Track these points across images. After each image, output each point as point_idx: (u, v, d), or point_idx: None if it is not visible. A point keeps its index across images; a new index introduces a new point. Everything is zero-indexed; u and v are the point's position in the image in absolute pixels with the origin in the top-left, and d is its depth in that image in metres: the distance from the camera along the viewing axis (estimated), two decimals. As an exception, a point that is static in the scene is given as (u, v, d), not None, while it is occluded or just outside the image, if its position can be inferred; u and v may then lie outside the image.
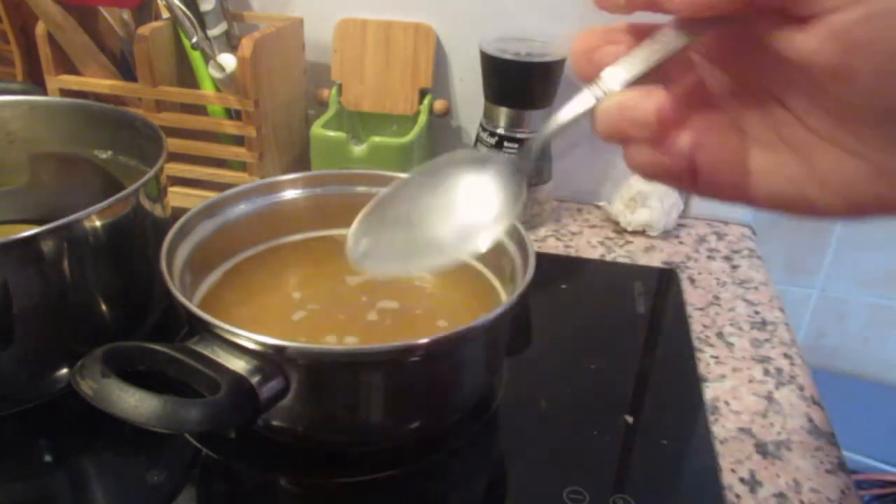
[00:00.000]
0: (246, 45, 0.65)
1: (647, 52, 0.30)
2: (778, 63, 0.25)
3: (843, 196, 0.25)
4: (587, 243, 0.71)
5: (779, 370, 0.54)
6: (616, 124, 0.27)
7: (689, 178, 0.27)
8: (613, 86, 0.29)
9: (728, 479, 0.44)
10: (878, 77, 0.22)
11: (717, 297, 0.63)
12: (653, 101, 0.26)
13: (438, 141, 0.82)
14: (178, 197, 0.72)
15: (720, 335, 0.58)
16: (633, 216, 0.72)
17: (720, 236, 0.74)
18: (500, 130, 0.71)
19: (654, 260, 0.69)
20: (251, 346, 0.37)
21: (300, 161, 0.79)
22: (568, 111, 0.29)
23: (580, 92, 0.29)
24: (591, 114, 0.29)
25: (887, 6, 0.21)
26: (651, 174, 0.28)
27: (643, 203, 0.72)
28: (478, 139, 0.74)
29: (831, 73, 0.22)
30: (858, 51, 0.22)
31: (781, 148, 0.26)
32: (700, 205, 0.77)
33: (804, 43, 0.23)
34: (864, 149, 0.24)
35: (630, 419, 0.48)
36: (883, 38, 0.21)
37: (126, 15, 0.72)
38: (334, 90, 0.77)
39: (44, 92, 0.69)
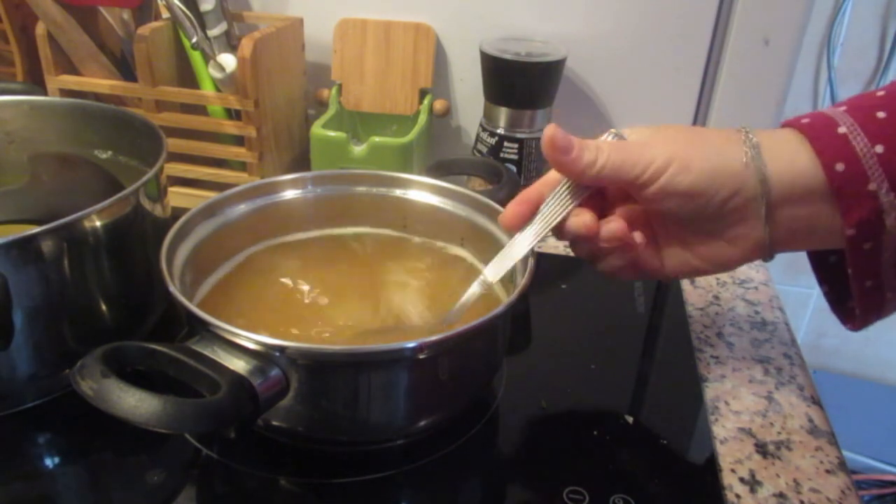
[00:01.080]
0: (246, 45, 0.65)
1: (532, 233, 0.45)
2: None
3: (712, 264, 0.44)
4: (587, 243, 0.71)
5: (779, 370, 0.54)
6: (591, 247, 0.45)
7: (635, 273, 0.46)
8: (492, 279, 0.45)
9: (728, 479, 0.44)
10: (683, 205, 0.41)
11: (717, 297, 0.63)
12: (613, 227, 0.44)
13: (438, 141, 0.82)
14: (178, 197, 0.72)
15: (720, 335, 0.58)
16: (633, 216, 0.72)
17: (720, 236, 0.74)
18: (500, 130, 0.71)
19: (654, 260, 0.69)
20: (251, 346, 0.37)
21: (300, 161, 0.79)
22: (464, 301, 0.46)
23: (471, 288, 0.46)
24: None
25: (676, 177, 0.40)
26: (621, 275, 0.47)
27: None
28: (478, 139, 0.74)
29: (663, 208, 0.42)
30: (669, 197, 0.41)
31: (675, 244, 0.45)
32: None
33: (646, 197, 0.42)
34: (707, 239, 0.43)
35: (630, 419, 0.48)
36: (677, 188, 0.40)
37: (126, 15, 0.72)
38: (334, 90, 0.77)
39: (44, 92, 0.69)
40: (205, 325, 0.38)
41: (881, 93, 0.40)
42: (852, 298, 0.43)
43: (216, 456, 0.44)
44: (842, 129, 0.38)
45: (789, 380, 0.53)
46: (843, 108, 0.40)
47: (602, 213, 0.45)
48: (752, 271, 0.67)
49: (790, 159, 0.40)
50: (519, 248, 0.44)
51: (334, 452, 0.44)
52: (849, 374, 1.12)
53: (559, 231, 0.44)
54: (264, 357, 0.37)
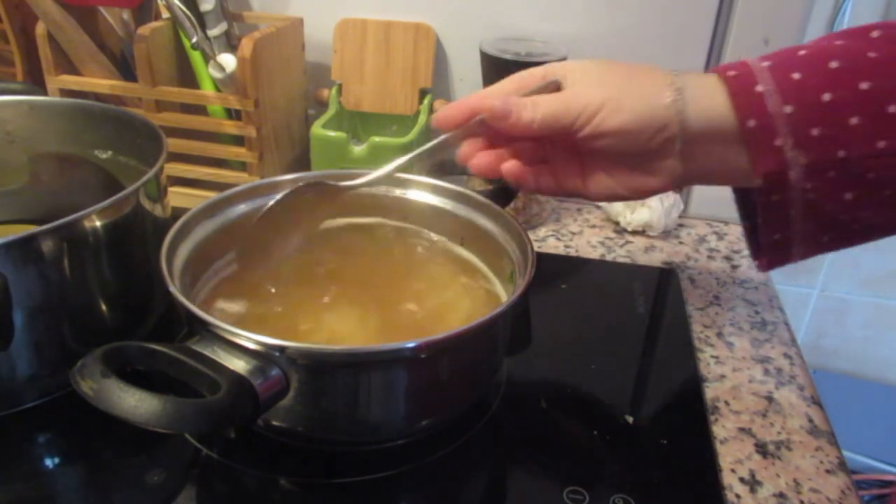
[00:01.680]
0: (246, 45, 0.65)
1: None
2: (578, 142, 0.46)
3: (631, 191, 0.47)
4: (587, 243, 0.71)
5: (779, 370, 0.54)
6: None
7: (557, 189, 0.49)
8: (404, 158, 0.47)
9: (728, 479, 0.44)
10: (613, 143, 0.44)
11: (717, 297, 0.63)
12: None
13: (438, 141, 0.82)
14: (178, 197, 0.72)
15: (720, 335, 0.58)
16: (633, 216, 0.72)
17: (720, 236, 0.74)
18: (500, 130, 0.71)
19: (654, 260, 0.69)
20: (251, 346, 0.37)
21: (300, 161, 0.79)
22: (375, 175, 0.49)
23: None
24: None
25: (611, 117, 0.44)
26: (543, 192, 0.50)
27: (643, 203, 0.72)
28: (478, 139, 0.74)
29: (595, 146, 0.45)
30: (600, 137, 0.44)
31: (600, 172, 0.47)
32: (700, 205, 0.77)
33: (580, 138, 0.45)
34: (630, 170, 0.46)
35: (630, 419, 0.48)
36: (607, 129, 0.44)
37: (126, 15, 0.72)
38: (334, 90, 0.77)
39: (44, 92, 0.69)
40: (205, 325, 0.38)
41: (803, 52, 0.43)
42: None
43: (216, 456, 0.44)
44: (759, 88, 0.42)
45: (789, 380, 0.53)
46: (768, 63, 0.43)
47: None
48: (751, 271, 0.67)
49: (709, 104, 0.43)
50: (433, 145, 0.47)
51: (334, 452, 0.44)
52: (849, 374, 1.12)
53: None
54: (264, 357, 0.37)
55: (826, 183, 0.42)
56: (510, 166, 0.47)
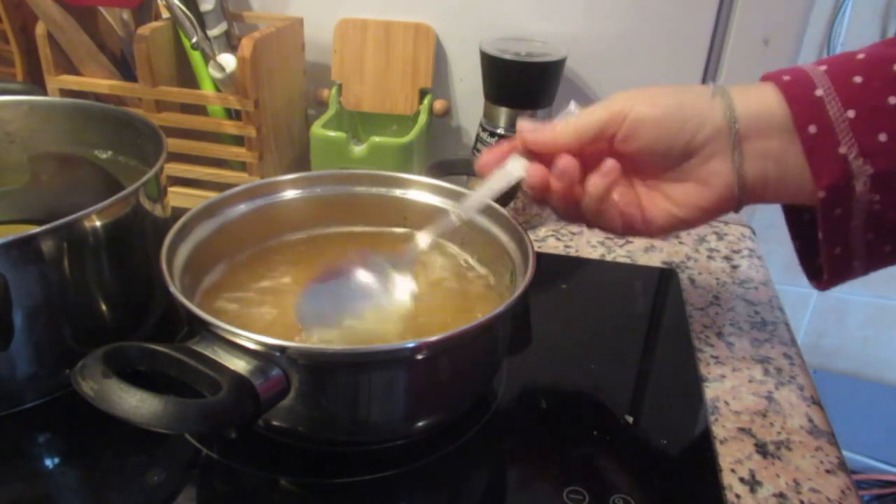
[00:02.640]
0: (246, 45, 0.65)
1: (494, 182, 0.46)
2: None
3: (689, 209, 0.44)
4: (587, 243, 0.71)
5: (779, 370, 0.54)
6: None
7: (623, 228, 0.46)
8: (469, 213, 0.47)
9: (728, 479, 0.44)
10: (652, 140, 0.43)
11: (716, 297, 0.63)
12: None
13: (438, 141, 0.82)
14: (178, 197, 0.72)
15: (720, 335, 0.58)
16: (633, 216, 0.72)
17: (720, 236, 0.74)
18: (500, 130, 0.71)
19: (654, 260, 0.69)
20: (252, 346, 0.37)
21: (300, 161, 0.79)
22: (436, 228, 0.47)
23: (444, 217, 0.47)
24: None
25: (638, 122, 0.42)
26: (610, 230, 0.47)
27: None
28: (478, 139, 0.74)
29: (636, 154, 0.44)
30: (638, 134, 0.43)
31: (654, 194, 0.45)
32: (700, 205, 0.77)
33: (618, 141, 0.43)
34: (680, 181, 0.44)
35: (630, 419, 0.48)
36: (644, 123, 0.42)
37: (126, 15, 0.72)
38: (334, 90, 0.77)
39: (44, 92, 0.69)
40: (205, 325, 0.38)
41: (861, 55, 0.40)
42: (821, 258, 0.44)
43: (216, 456, 0.44)
44: (818, 92, 0.39)
45: (789, 380, 0.53)
46: (824, 67, 0.40)
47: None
48: (751, 271, 0.67)
49: (758, 99, 0.41)
50: (486, 190, 0.46)
51: (334, 452, 0.44)
52: (849, 374, 1.12)
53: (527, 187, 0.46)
54: (265, 357, 0.37)
55: (894, 193, 0.39)
56: (565, 160, 0.44)
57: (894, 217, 0.40)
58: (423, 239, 0.46)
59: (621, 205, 0.45)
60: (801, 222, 0.47)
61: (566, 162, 0.44)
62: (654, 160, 0.44)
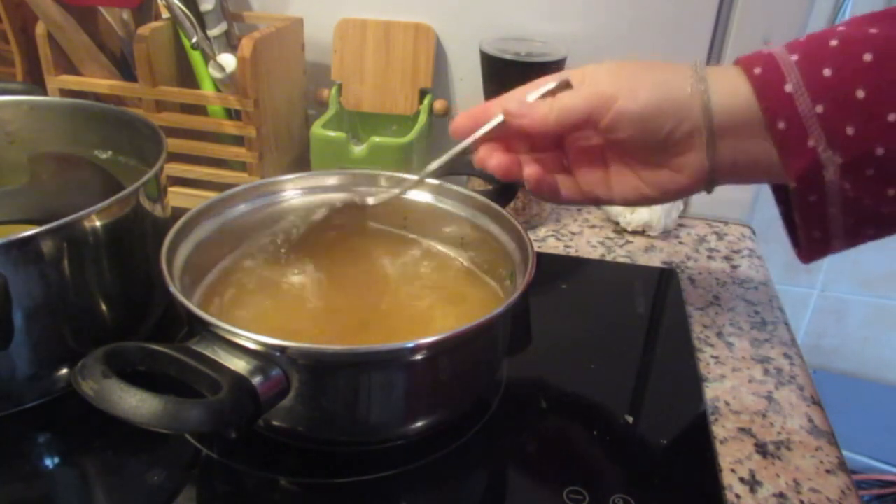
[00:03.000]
0: (246, 45, 0.65)
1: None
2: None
3: (659, 190, 0.46)
4: (587, 243, 0.71)
5: (779, 370, 0.54)
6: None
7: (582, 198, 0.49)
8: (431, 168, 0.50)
9: (728, 479, 0.44)
10: (633, 133, 0.43)
11: (716, 297, 0.63)
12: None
13: (438, 141, 0.82)
14: (178, 197, 0.72)
15: (720, 335, 0.58)
16: (633, 216, 0.72)
17: (720, 236, 0.74)
18: (500, 130, 0.71)
19: (654, 260, 0.69)
20: (252, 346, 0.37)
21: (300, 161, 0.79)
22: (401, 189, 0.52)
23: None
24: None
25: (622, 114, 0.43)
26: (564, 201, 0.49)
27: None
28: (478, 139, 0.74)
29: (615, 142, 0.45)
30: (619, 127, 0.43)
31: (625, 171, 0.47)
32: (700, 205, 0.77)
33: (599, 130, 0.44)
34: (655, 167, 0.45)
35: (630, 419, 0.48)
36: (625, 117, 0.43)
37: (126, 15, 0.72)
38: (334, 90, 0.77)
39: (44, 92, 0.69)
40: (205, 325, 0.38)
41: (834, 42, 0.40)
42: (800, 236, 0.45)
43: (216, 456, 0.44)
44: (788, 88, 0.40)
45: (789, 380, 0.53)
46: (796, 57, 0.41)
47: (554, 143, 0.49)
48: (751, 271, 0.67)
49: (734, 93, 0.42)
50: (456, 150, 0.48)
51: (334, 452, 0.44)
52: (849, 374, 1.12)
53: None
54: (265, 357, 0.37)
55: (865, 180, 0.40)
56: (532, 171, 0.46)
57: (870, 203, 0.41)
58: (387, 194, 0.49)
59: (584, 187, 0.48)
60: (785, 188, 0.47)
61: (532, 173, 0.46)
62: (629, 148, 0.45)
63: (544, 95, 0.45)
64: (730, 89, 0.42)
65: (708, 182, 0.45)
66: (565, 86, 0.45)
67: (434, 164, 0.49)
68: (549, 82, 0.46)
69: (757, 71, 0.41)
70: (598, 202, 0.49)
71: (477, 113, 0.47)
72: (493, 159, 0.47)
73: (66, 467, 0.44)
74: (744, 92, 0.41)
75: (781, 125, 0.40)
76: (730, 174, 0.44)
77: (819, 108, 0.39)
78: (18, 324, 0.42)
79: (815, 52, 0.40)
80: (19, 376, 0.45)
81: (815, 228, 0.44)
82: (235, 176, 0.71)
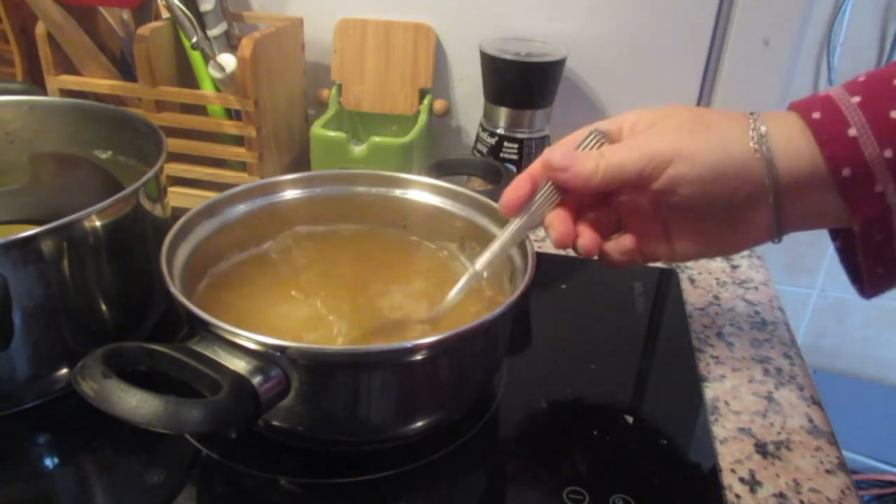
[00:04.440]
0: (246, 45, 0.65)
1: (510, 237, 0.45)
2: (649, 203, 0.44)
3: (722, 249, 0.45)
4: (587, 243, 0.71)
5: (779, 370, 0.54)
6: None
7: (644, 260, 0.46)
8: (481, 269, 0.45)
9: (728, 479, 0.44)
10: (692, 197, 0.41)
11: (716, 297, 0.63)
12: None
13: (438, 141, 0.82)
14: (178, 197, 0.72)
15: (720, 335, 0.58)
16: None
17: (720, 236, 0.74)
18: (500, 130, 0.71)
19: (654, 260, 0.69)
20: (252, 346, 0.37)
21: (300, 161, 0.79)
22: (456, 293, 0.46)
23: (464, 278, 0.46)
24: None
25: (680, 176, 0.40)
26: (629, 265, 0.47)
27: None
28: (478, 139, 0.74)
29: (670, 202, 0.42)
30: (675, 192, 0.41)
31: (686, 233, 0.44)
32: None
33: (652, 192, 0.41)
34: (717, 226, 0.43)
35: (630, 419, 0.48)
36: (682, 182, 0.40)
37: (126, 15, 0.72)
38: (334, 90, 0.77)
39: (44, 92, 0.69)
40: (205, 325, 0.38)
41: None
42: (863, 272, 0.43)
43: (216, 456, 0.44)
44: (852, 132, 0.37)
45: (789, 380, 0.53)
46: (857, 99, 0.38)
47: (606, 204, 0.46)
48: (751, 271, 0.67)
49: (797, 149, 0.39)
50: (508, 239, 0.45)
51: (334, 452, 0.44)
52: (849, 374, 1.12)
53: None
54: (265, 357, 0.37)
55: None
56: (585, 241, 0.44)
57: None
58: (448, 302, 0.46)
59: (644, 249, 0.45)
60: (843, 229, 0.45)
61: (587, 242, 0.44)
62: (687, 212, 0.42)
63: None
64: (792, 145, 0.39)
65: (773, 236, 0.42)
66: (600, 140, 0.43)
67: (493, 262, 0.46)
68: (588, 135, 0.43)
69: (816, 116, 0.39)
70: (657, 260, 0.46)
71: (521, 178, 0.45)
72: (555, 229, 0.44)
73: (66, 467, 0.44)
74: (806, 147, 0.39)
75: (846, 172, 0.38)
76: (796, 225, 0.41)
77: (888, 153, 0.37)
78: (18, 324, 0.42)
79: (879, 91, 0.38)
80: (19, 376, 0.45)
81: (880, 265, 0.41)
82: (235, 176, 0.71)
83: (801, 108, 0.40)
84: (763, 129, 0.39)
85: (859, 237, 0.40)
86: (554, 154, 0.42)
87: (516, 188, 0.45)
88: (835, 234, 0.45)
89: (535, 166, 0.44)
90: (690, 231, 0.44)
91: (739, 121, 0.40)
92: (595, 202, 0.46)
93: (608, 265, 0.47)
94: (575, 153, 0.42)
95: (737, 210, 0.41)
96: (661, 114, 0.43)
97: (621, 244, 0.45)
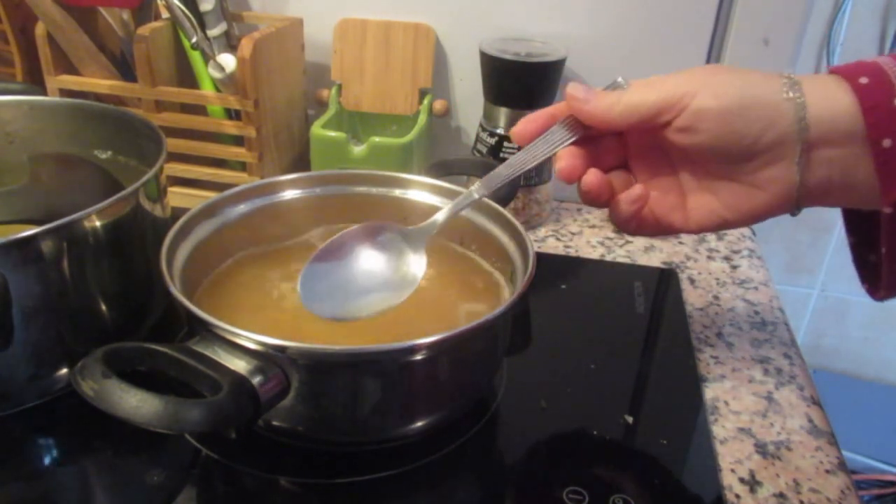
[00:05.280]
0: (246, 45, 0.65)
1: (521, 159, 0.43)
2: (665, 150, 0.43)
3: (740, 212, 0.41)
4: (587, 243, 0.71)
5: (779, 370, 0.54)
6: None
7: (657, 227, 0.44)
8: (484, 192, 0.44)
9: (728, 479, 0.44)
10: (713, 137, 0.39)
11: (716, 297, 0.63)
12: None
13: (438, 141, 0.82)
14: (178, 197, 0.72)
15: (720, 335, 0.58)
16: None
17: (720, 236, 0.74)
18: (500, 130, 0.71)
19: (654, 260, 0.69)
20: (252, 346, 0.37)
21: (300, 161, 0.79)
22: (455, 205, 0.45)
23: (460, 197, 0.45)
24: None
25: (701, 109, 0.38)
26: (640, 231, 0.45)
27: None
28: (477, 139, 0.74)
29: (692, 148, 0.40)
30: (698, 129, 0.39)
31: (703, 192, 0.42)
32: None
33: (675, 130, 0.40)
34: (736, 184, 0.40)
35: (630, 419, 0.48)
36: (706, 115, 0.38)
37: (126, 15, 0.72)
38: (334, 90, 0.77)
39: (44, 92, 0.69)
40: (205, 325, 0.38)
41: None
42: (880, 266, 0.40)
43: (216, 456, 0.44)
44: None
45: (789, 380, 0.53)
46: None
47: (621, 161, 0.45)
48: (751, 271, 0.67)
49: (833, 103, 0.37)
50: (513, 162, 0.43)
51: (334, 452, 0.44)
52: (849, 374, 1.12)
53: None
54: (265, 357, 0.37)
55: None
56: (591, 178, 0.42)
57: None
58: (441, 214, 0.45)
59: (658, 214, 0.43)
60: (860, 216, 0.43)
61: (592, 179, 0.42)
62: (709, 157, 0.40)
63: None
64: (828, 98, 0.37)
65: (794, 203, 0.39)
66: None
67: (492, 187, 0.44)
68: (611, 83, 0.43)
69: (863, 81, 0.36)
70: (673, 231, 0.44)
71: (540, 113, 0.43)
72: (563, 159, 0.42)
73: (66, 467, 0.44)
74: (845, 103, 0.36)
75: (887, 143, 0.35)
76: (819, 195, 0.39)
77: None
78: (18, 324, 0.42)
79: None
80: (19, 376, 0.45)
81: None
82: (235, 176, 0.71)
83: (846, 72, 0.37)
84: (796, 78, 0.38)
85: (885, 223, 0.37)
86: (577, 88, 0.41)
87: (534, 119, 0.43)
88: (851, 229, 0.43)
89: (559, 105, 0.43)
90: (706, 188, 0.42)
91: (771, 73, 0.39)
92: (612, 161, 0.44)
93: (617, 221, 0.44)
94: (596, 90, 0.41)
95: (759, 159, 0.38)
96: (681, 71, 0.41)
97: (632, 193, 0.43)
